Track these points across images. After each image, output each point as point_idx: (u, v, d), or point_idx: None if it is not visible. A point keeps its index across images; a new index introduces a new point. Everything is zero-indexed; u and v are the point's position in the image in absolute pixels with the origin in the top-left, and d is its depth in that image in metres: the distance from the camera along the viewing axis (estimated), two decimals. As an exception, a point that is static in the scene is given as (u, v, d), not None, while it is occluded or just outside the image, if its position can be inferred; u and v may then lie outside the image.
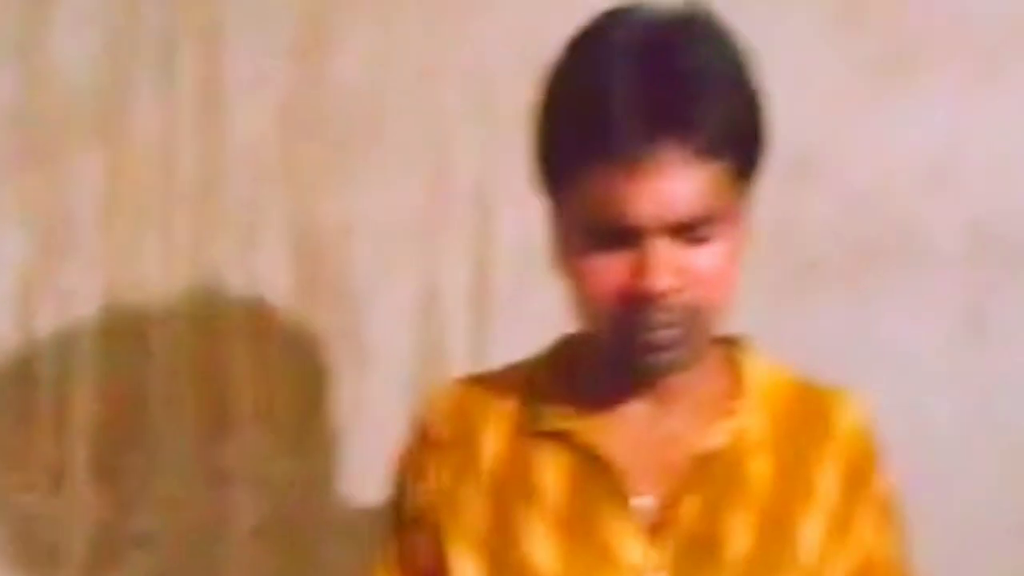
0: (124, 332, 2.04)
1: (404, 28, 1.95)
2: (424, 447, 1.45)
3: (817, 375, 1.46)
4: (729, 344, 1.42)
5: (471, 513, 1.40)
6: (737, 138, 1.29)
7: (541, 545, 1.37)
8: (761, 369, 1.42)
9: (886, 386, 1.80)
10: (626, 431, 1.38)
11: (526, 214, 1.90)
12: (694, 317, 1.30)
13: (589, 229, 1.30)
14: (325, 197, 1.99)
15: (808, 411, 1.41)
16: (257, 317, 2.01)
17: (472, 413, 1.44)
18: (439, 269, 1.96)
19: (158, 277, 2.03)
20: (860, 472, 1.40)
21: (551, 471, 1.38)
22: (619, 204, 1.26)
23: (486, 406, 1.44)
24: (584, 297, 1.33)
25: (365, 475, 1.99)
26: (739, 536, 1.35)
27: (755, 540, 1.35)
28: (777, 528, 1.36)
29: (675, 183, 1.26)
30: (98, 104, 2.02)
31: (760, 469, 1.37)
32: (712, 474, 1.36)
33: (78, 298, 2.03)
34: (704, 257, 1.29)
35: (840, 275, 1.83)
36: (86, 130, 2.02)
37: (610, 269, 1.29)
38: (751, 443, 1.38)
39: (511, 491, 1.39)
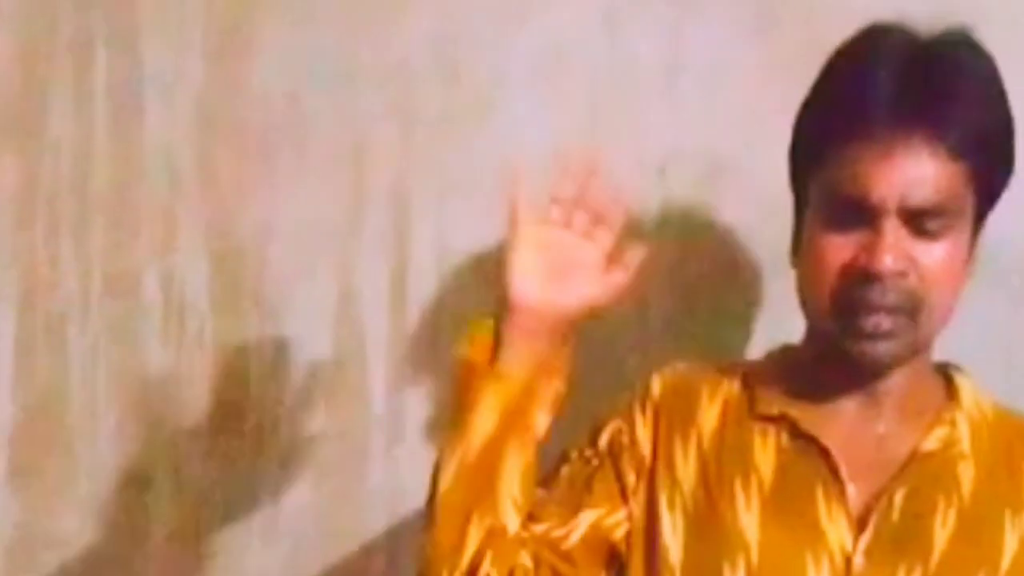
0: (41, 335, 2.02)
1: (321, 31, 1.95)
2: (641, 401, 1.51)
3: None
4: (942, 366, 1.50)
5: (684, 472, 1.46)
6: (982, 145, 1.37)
7: (750, 515, 1.42)
8: (972, 389, 1.49)
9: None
10: (840, 424, 1.44)
11: (443, 216, 1.93)
12: (911, 310, 1.37)
13: (831, 207, 1.38)
14: (242, 200, 1.98)
15: (1017, 434, 1.48)
16: (175, 320, 2.01)
17: (695, 387, 1.50)
18: (357, 271, 1.96)
19: (74, 280, 2.01)
20: None
21: (766, 450, 1.45)
22: (864, 181, 1.35)
23: (709, 385, 1.50)
24: (812, 273, 1.40)
25: (285, 478, 1.99)
26: (943, 534, 1.40)
27: (958, 540, 1.40)
28: (981, 532, 1.41)
29: (919, 170, 1.34)
30: (13, 107, 2.01)
31: (969, 475, 1.43)
32: (922, 473, 1.42)
33: (-6, 301, 2.01)
34: (931, 252, 1.37)
35: (753, 280, 1.84)
36: (0, 133, 2.01)
37: (842, 246, 1.37)
38: (962, 451, 1.44)
39: (725, 462, 1.45)
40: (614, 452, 1.49)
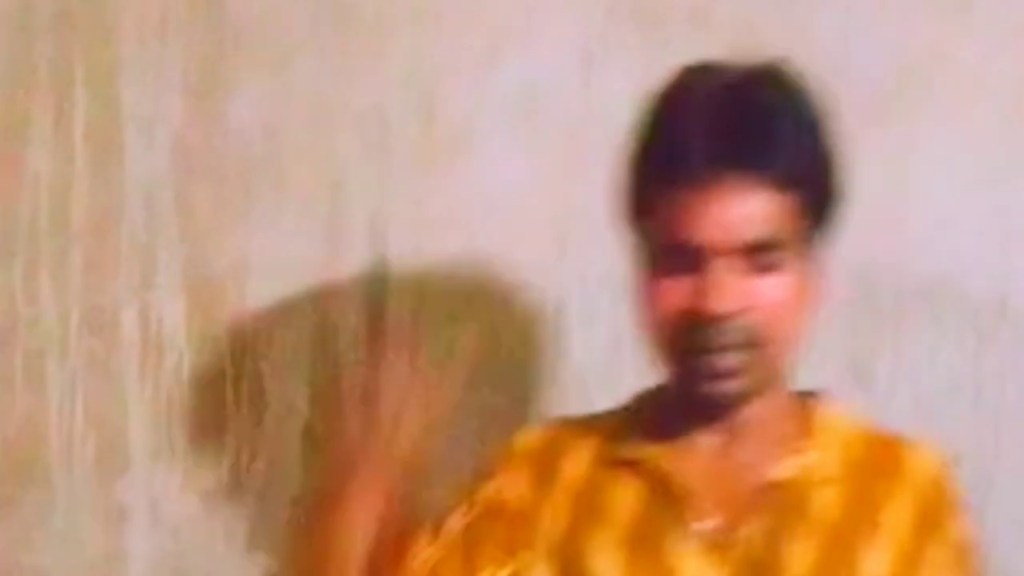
0: (19, 370, 2.03)
1: (299, 70, 1.96)
2: (514, 459, 1.53)
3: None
4: (807, 394, 1.50)
5: (548, 523, 1.48)
6: (805, 175, 1.38)
7: (608, 561, 1.44)
8: (836, 415, 1.49)
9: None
10: (697, 460, 1.44)
11: (419, 253, 1.95)
12: (755, 345, 1.36)
13: (661, 253, 1.38)
14: (220, 236, 1.99)
15: (881, 455, 1.47)
16: (153, 355, 2.02)
17: (559, 442, 1.51)
18: (334, 308, 1.97)
19: (53, 315, 2.02)
20: (934, 514, 1.45)
21: (624, 495, 1.46)
22: (687, 225, 1.35)
23: (574, 437, 1.51)
24: (650, 320, 1.40)
25: (261, 514, 2.00)
26: (799, 562, 1.41)
27: (815, 567, 1.41)
28: (839, 557, 1.41)
29: (740, 207, 1.34)
30: (-8, 141, 2.03)
31: (826, 501, 1.43)
32: (777, 502, 1.42)
33: (-28, 334, 2.02)
34: (769, 285, 1.36)
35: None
36: (-21, 168, 2.03)
37: (676, 291, 1.37)
38: (818, 478, 1.43)
39: (586, 510, 1.47)
40: (493, 511, 1.51)
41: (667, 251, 1.37)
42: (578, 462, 1.50)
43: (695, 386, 1.39)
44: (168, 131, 1.99)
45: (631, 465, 1.47)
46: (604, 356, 1.92)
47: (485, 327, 1.93)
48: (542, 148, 1.92)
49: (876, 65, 1.87)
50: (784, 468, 1.43)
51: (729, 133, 1.34)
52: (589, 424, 1.53)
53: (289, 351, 1.99)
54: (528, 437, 1.54)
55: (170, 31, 1.98)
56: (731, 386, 1.38)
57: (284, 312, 1.99)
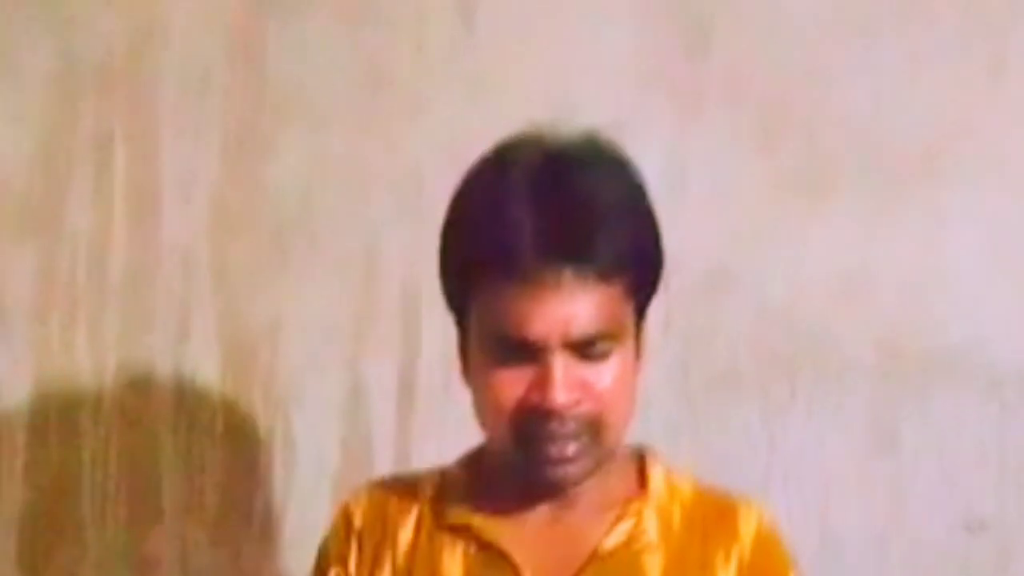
0: (54, 423, 2.06)
1: (336, 133, 1.99)
2: (345, 535, 1.51)
3: (729, 484, 1.51)
4: (635, 453, 1.49)
5: None
6: (633, 261, 1.37)
7: None
8: (665, 476, 1.48)
9: (797, 497, 1.88)
10: (527, 528, 1.44)
11: (451, 316, 1.97)
12: (593, 430, 1.37)
13: (494, 344, 1.37)
14: (255, 295, 2.02)
15: (712, 515, 1.46)
16: (187, 410, 2.04)
17: (389, 507, 1.50)
18: (366, 367, 2.00)
19: (88, 369, 2.05)
20: (765, 573, 1.45)
21: (453, 563, 1.45)
22: (520, 322, 1.33)
23: (402, 501, 1.50)
24: (487, 409, 1.40)
25: (292, 569, 2.02)
26: None
27: None
28: None
29: (573, 304, 1.33)
30: (34, 199, 2.05)
31: (657, 566, 1.42)
32: (605, 571, 1.42)
33: (8, 388, 2.05)
34: (602, 373, 1.36)
35: (754, 386, 1.88)
36: (20, 224, 2.05)
37: (512, 382, 1.36)
38: (649, 543, 1.43)
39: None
40: None
41: (498, 341, 1.36)
42: (409, 526, 1.49)
43: (533, 472, 1.39)
44: (206, 190, 2.02)
45: (459, 532, 1.46)
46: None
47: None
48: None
49: (906, 137, 1.90)
50: (612, 535, 1.43)
51: (556, 228, 1.32)
52: (415, 486, 1.52)
53: (321, 407, 2.01)
54: (360, 504, 1.52)
55: (210, 92, 2.01)
56: (568, 471, 1.38)
57: (316, 369, 2.01)
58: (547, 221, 1.32)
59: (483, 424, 1.42)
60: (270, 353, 2.02)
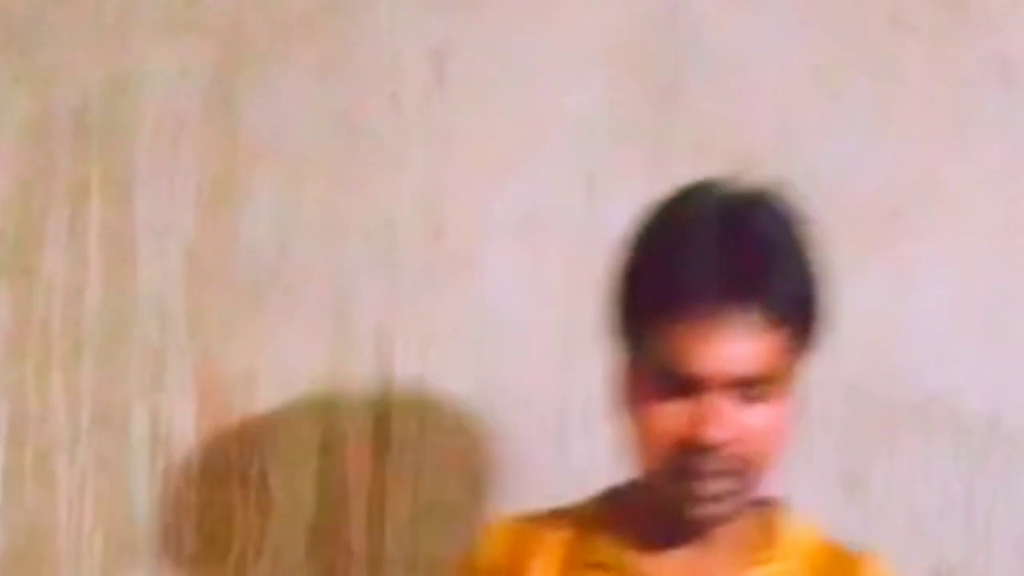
0: (30, 467, 2.07)
1: (309, 183, 2.01)
2: (479, 570, 1.55)
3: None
4: (768, 502, 1.53)
5: None
6: (800, 310, 1.41)
7: None
8: (797, 525, 1.53)
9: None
10: (668, 567, 1.47)
11: (425, 363, 1.99)
12: (744, 472, 1.41)
13: (657, 379, 1.40)
14: (229, 342, 2.03)
15: (838, 566, 1.51)
16: (162, 456, 2.05)
17: (526, 544, 1.53)
18: (341, 415, 2.01)
19: (63, 414, 2.06)
20: None
21: None
22: (688, 358, 1.38)
23: (539, 538, 1.53)
24: (643, 442, 1.43)
25: (266, 615, 2.04)
26: None
27: None
28: None
29: (741, 345, 1.37)
30: (9, 245, 2.06)
31: None
32: None
33: (-17, 432, 2.06)
34: (759, 415, 1.40)
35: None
36: (-5, 270, 2.07)
37: (672, 416, 1.40)
38: None
39: None
40: None
41: (663, 377, 1.40)
42: (550, 562, 1.51)
43: (682, 507, 1.42)
44: (180, 240, 2.03)
45: (605, 568, 1.49)
46: (605, 466, 1.94)
47: (489, 435, 1.97)
48: (546, 267, 1.96)
49: (873, 191, 1.92)
50: None
51: (730, 271, 1.38)
52: (555, 520, 1.54)
53: (295, 453, 2.02)
54: (496, 540, 1.56)
55: (184, 143, 2.03)
56: (715, 510, 1.42)
57: (291, 416, 2.02)
58: (724, 263, 1.37)
59: (637, 457, 1.45)
60: (245, 400, 2.03)
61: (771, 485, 1.47)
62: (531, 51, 1.97)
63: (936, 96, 1.90)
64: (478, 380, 1.97)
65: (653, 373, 1.41)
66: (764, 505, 1.52)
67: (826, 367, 1.86)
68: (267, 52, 2.01)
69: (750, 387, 1.39)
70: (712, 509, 1.42)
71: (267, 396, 2.02)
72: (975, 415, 1.92)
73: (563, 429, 1.97)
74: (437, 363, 1.98)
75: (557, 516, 1.56)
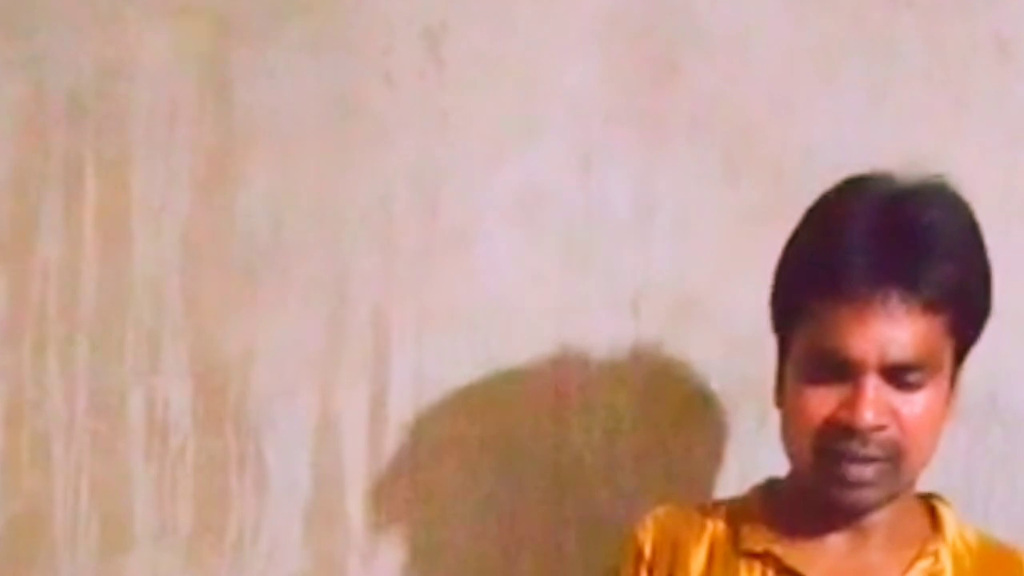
0: (26, 452, 2.06)
1: (304, 162, 2.00)
2: (635, 565, 1.56)
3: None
4: (930, 497, 1.54)
5: None
6: (959, 297, 1.42)
7: None
8: (956, 520, 1.53)
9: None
10: (826, 558, 1.48)
11: (421, 344, 1.99)
12: (893, 458, 1.41)
13: (811, 362, 1.42)
14: (226, 324, 2.02)
15: (999, 562, 1.52)
16: (158, 438, 2.05)
17: (680, 532, 1.55)
18: (337, 395, 2.00)
19: (60, 397, 2.05)
20: None
21: None
22: (843, 340, 1.39)
23: (692, 528, 1.55)
24: (794, 424, 1.45)
25: (263, 596, 2.04)
26: None
27: None
28: None
29: (896, 329, 1.38)
30: (3, 229, 2.05)
31: None
32: None
33: (-22, 415, 2.06)
34: (911, 402, 1.41)
35: (723, 414, 1.90)
36: (-11, 252, 2.07)
37: (823, 399, 1.41)
38: None
39: None
40: None
41: (816, 358, 1.42)
42: (702, 553, 1.53)
43: (830, 492, 1.43)
44: (176, 221, 2.03)
45: (759, 558, 1.50)
46: (602, 443, 1.95)
47: (486, 416, 1.97)
48: (541, 245, 1.96)
49: (870, 168, 1.90)
50: (912, 572, 1.48)
51: (890, 253, 1.38)
52: (709, 512, 1.56)
53: (292, 435, 2.02)
54: (649, 534, 1.57)
55: (179, 124, 2.02)
56: (864, 495, 1.43)
57: (287, 397, 2.02)
58: (881, 246, 1.38)
59: (788, 442, 1.47)
60: (241, 381, 2.02)
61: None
62: (527, 29, 1.96)
63: (933, 72, 1.89)
64: (475, 359, 1.97)
65: (808, 356, 1.42)
66: (923, 499, 1.53)
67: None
68: (261, 32, 2.00)
69: (904, 373, 1.40)
70: (861, 495, 1.42)
71: (263, 378, 2.02)
72: (973, 392, 1.89)
73: (560, 408, 1.96)
74: (434, 343, 1.98)
75: (714, 507, 1.57)
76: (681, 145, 1.89)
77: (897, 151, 1.88)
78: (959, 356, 1.47)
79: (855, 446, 1.40)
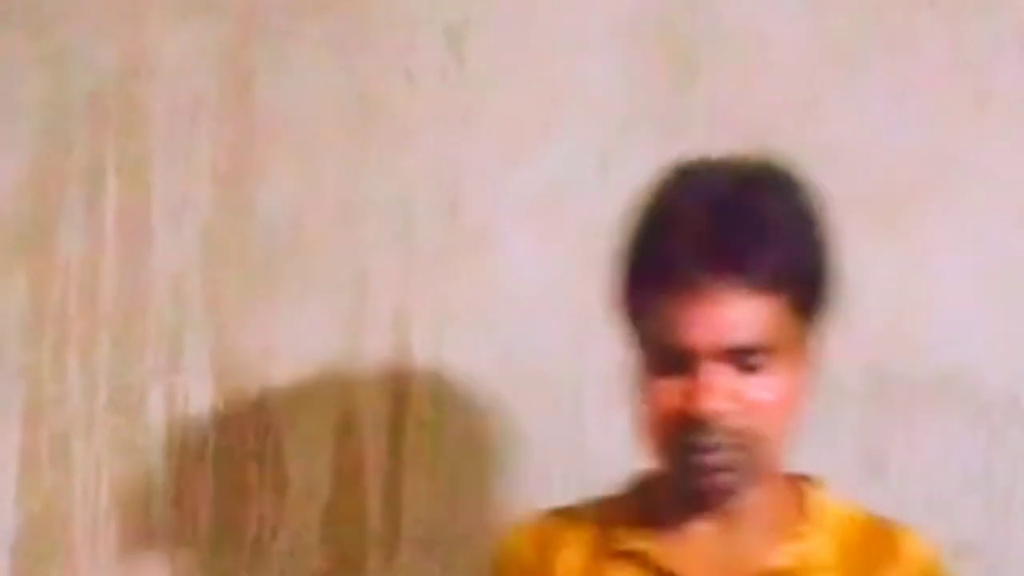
0: (46, 449, 2.07)
1: (326, 161, 2.01)
2: (507, 570, 1.55)
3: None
4: (799, 479, 1.51)
5: None
6: (796, 276, 1.39)
7: None
8: (829, 502, 1.51)
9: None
10: (696, 551, 1.46)
11: (442, 343, 1.99)
12: (747, 443, 1.38)
13: (655, 355, 1.40)
14: (246, 321, 2.03)
15: (875, 541, 1.49)
16: (178, 436, 2.05)
17: (551, 538, 1.53)
18: (357, 394, 2.01)
19: (80, 395, 2.06)
20: None
21: None
22: (678, 330, 1.37)
23: (564, 531, 1.53)
24: (647, 420, 1.42)
25: (281, 595, 2.04)
26: None
27: None
28: None
29: (729, 311, 1.36)
30: (25, 227, 2.07)
31: None
32: None
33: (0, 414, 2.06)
34: (758, 386, 1.38)
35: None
36: (11, 251, 2.07)
37: (669, 392, 1.39)
38: (815, 565, 1.46)
39: None
40: None
41: (659, 352, 1.40)
42: (575, 555, 1.50)
43: (688, 482, 1.41)
44: (197, 218, 2.04)
45: (629, 557, 1.48)
46: (621, 444, 1.94)
47: (505, 417, 1.97)
48: (561, 245, 1.96)
49: (892, 167, 1.91)
50: (781, 556, 1.45)
51: (717, 241, 1.36)
52: (579, 514, 1.54)
53: (312, 433, 2.02)
54: (518, 540, 1.56)
55: (200, 121, 2.03)
56: (722, 480, 1.40)
57: (307, 395, 2.02)
58: (712, 232, 1.36)
59: (645, 438, 1.44)
60: (261, 380, 2.03)
61: (787, 459, 1.46)
62: (548, 28, 1.97)
63: (955, 69, 1.89)
64: (494, 358, 1.97)
65: (652, 350, 1.41)
66: (793, 482, 1.51)
67: (845, 344, 1.86)
68: (282, 30, 2.02)
69: (745, 356, 1.37)
70: (718, 480, 1.40)
71: (283, 375, 2.03)
72: (994, 392, 1.91)
73: (579, 407, 1.96)
74: (454, 341, 1.98)
75: (582, 509, 1.55)
76: (700, 145, 1.86)
77: (918, 148, 1.90)
78: (811, 332, 1.44)
79: (702, 436, 1.37)
